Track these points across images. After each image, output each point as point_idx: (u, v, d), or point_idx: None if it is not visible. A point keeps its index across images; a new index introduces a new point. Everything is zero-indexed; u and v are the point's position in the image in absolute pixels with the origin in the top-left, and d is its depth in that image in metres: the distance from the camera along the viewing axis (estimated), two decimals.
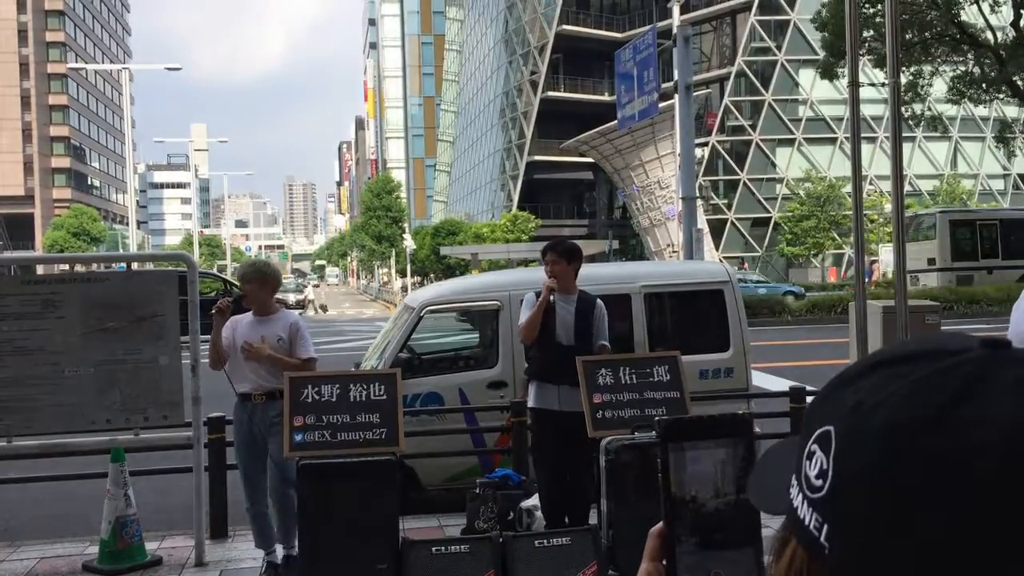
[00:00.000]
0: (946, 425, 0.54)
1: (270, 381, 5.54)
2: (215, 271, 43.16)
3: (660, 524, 0.74)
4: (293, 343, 5.60)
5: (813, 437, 0.60)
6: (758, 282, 34.57)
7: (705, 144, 52.63)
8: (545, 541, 4.92)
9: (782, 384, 9.60)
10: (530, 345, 5.77)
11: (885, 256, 36.08)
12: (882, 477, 0.55)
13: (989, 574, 0.52)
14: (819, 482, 0.58)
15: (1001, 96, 25.14)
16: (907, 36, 22.29)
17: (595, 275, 8.09)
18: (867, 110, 45.38)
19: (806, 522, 0.59)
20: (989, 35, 23.78)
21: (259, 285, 5.67)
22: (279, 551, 5.71)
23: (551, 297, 5.64)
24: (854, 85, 6.52)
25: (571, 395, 5.52)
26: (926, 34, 23.40)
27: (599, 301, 5.86)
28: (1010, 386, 0.54)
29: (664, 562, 0.73)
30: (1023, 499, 0.51)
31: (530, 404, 5.84)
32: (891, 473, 0.54)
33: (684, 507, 0.73)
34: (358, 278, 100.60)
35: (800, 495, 0.60)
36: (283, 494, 5.54)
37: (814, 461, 0.59)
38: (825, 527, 0.57)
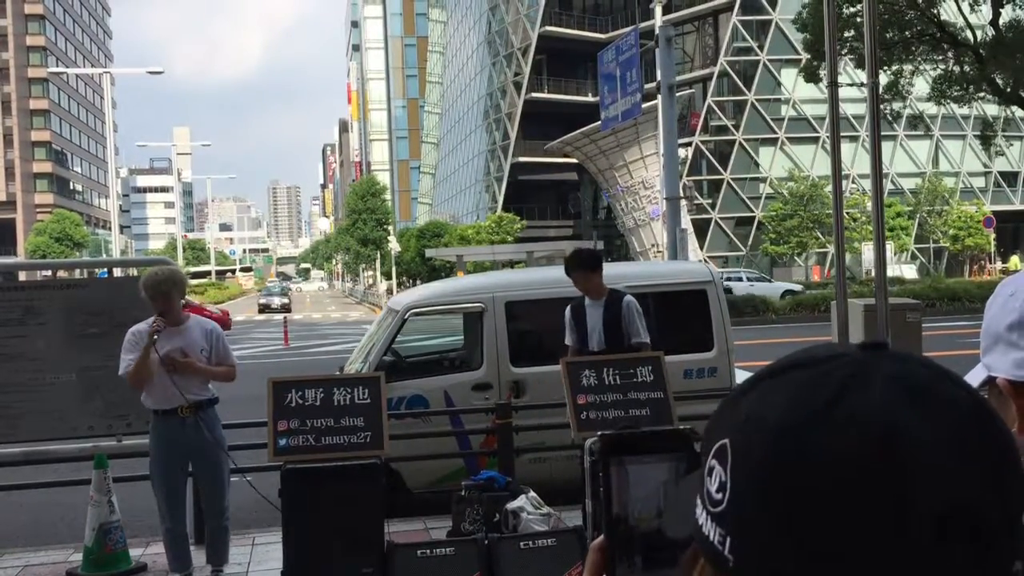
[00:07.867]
0: (825, 425, 0.55)
1: (197, 394, 5.29)
2: None
3: (601, 538, 0.73)
4: (215, 352, 5.36)
5: (712, 452, 0.61)
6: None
7: (688, 144, 52.73)
8: (531, 542, 4.93)
9: None
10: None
11: (867, 254, 36.16)
12: (769, 483, 0.56)
13: (877, 571, 0.53)
14: (719, 496, 0.59)
15: (982, 95, 25.31)
16: (888, 35, 22.41)
17: None
18: (849, 109, 45.54)
19: (711, 537, 0.59)
20: (969, 34, 23.95)
21: (177, 295, 5.29)
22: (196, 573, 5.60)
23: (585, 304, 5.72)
24: (833, 85, 6.56)
25: None
26: (906, 33, 23.54)
27: (628, 297, 5.87)
28: (883, 382, 0.56)
29: None
30: (900, 492, 0.53)
31: None
32: (777, 477, 0.55)
33: (624, 522, 0.72)
34: (343, 280, 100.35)
35: (704, 511, 0.61)
36: (223, 514, 5.51)
37: (714, 476, 0.60)
38: (728, 540, 0.58)
